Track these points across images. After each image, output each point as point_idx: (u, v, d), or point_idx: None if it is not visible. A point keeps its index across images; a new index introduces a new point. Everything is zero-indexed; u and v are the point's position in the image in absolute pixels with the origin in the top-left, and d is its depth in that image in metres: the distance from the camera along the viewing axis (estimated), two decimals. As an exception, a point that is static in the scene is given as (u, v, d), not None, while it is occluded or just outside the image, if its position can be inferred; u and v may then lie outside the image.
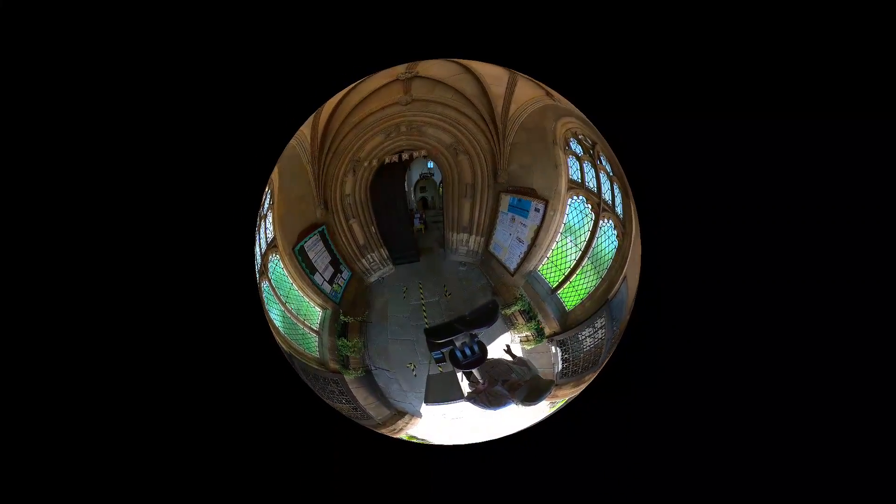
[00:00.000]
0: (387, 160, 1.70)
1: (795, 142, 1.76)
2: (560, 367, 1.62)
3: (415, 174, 1.66)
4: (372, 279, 1.65)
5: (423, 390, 1.65)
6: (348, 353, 1.68)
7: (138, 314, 1.79)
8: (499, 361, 1.69)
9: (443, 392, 1.66)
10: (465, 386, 1.70)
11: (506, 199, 1.66)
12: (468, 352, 1.70)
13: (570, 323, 1.59)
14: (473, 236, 1.63)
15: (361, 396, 1.72)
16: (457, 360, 1.69)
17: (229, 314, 1.83)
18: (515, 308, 1.61)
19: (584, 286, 1.58)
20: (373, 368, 1.67)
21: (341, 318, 1.66)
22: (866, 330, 1.69)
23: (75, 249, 1.79)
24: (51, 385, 1.74)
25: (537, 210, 1.63)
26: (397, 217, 1.68)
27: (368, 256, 1.66)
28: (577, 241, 1.60)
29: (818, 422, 1.67)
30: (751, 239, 1.78)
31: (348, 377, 1.69)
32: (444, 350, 1.68)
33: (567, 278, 1.57)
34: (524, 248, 1.63)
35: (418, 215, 1.68)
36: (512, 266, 1.64)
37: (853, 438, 1.65)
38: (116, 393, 1.76)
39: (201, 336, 1.84)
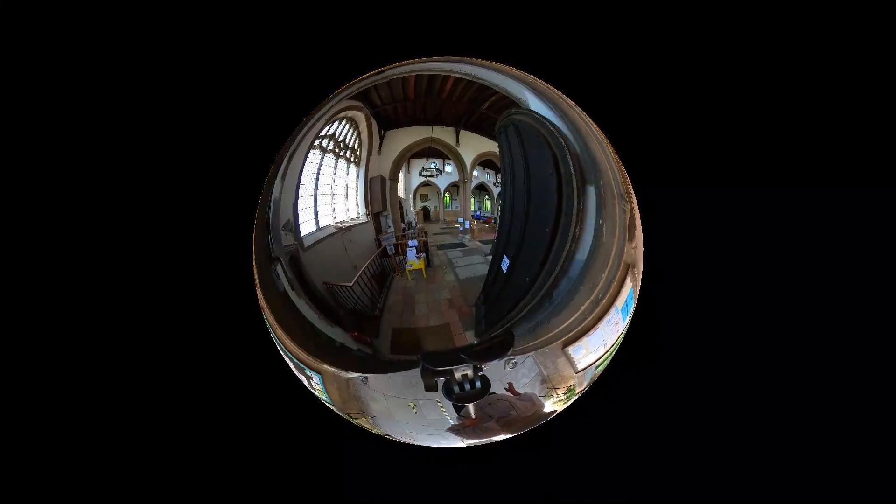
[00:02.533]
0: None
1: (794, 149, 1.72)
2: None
3: (414, 178, 1.27)
4: (348, 377, 1.29)
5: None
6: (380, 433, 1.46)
7: (134, 315, 1.68)
8: (500, 398, 1.46)
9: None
10: (452, 418, 1.47)
11: (628, 286, 1.32)
12: (468, 386, 1.45)
13: (594, 379, 1.49)
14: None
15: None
16: (451, 393, 1.44)
17: (227, 316, 1.69)
18: (564, 396, 1.41)
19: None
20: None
21: (351, 420, 1.40)
22: (863, 332, 1.70)
23: (72, 251, 1.68)
24: (49, 385, 1.64)
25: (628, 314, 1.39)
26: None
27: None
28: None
29: (814, 425, 1.68)
30: (751, 240, 1.73)
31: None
32: (438, 378, 1.42)
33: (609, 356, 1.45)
34: (603, 352, 1.37)
35: (414, 243, 1.28)
36: (581, 366, 1.37)
37: (850, 439, 1.66)
38: (118, 394, 1.67)
39: (201, 337, 1.71)
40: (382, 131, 1.28)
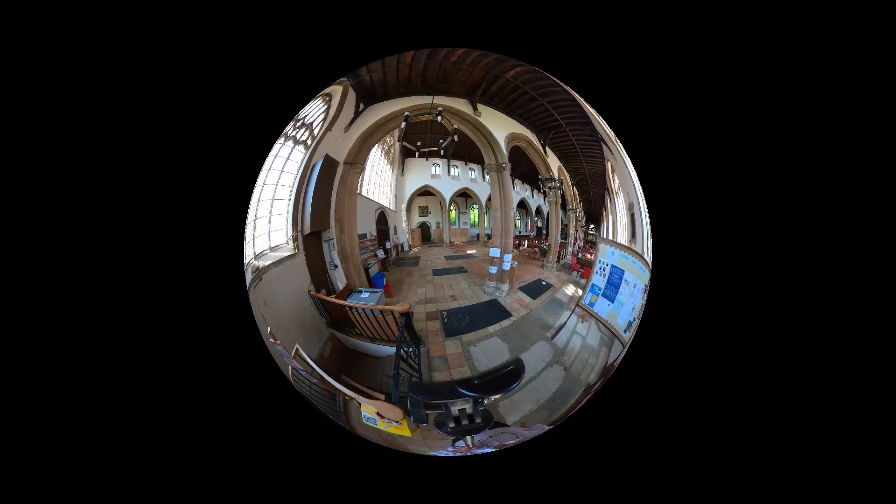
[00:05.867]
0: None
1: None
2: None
3: (410, 185, 0.73)
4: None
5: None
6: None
7: (130, 315, 1.55)
8: (504, 431, 1.17)
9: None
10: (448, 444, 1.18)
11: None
12: (465, 421, 1.10)
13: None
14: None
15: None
16: (445, 427, 1.10)
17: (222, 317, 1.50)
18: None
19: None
20: None
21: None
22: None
23: (70, 253, 1.55)
24: (46, 384, 1.53)
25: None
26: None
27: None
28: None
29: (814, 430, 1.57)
30: (752, 241, 1.61)
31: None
32: (430, 412, 1.09)
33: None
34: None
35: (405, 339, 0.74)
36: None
37: (850, 440, 1.53)
38: (115, 394, 1.55)
39: (197, 339, 1.54)
40: (362, 106, 0.74)
